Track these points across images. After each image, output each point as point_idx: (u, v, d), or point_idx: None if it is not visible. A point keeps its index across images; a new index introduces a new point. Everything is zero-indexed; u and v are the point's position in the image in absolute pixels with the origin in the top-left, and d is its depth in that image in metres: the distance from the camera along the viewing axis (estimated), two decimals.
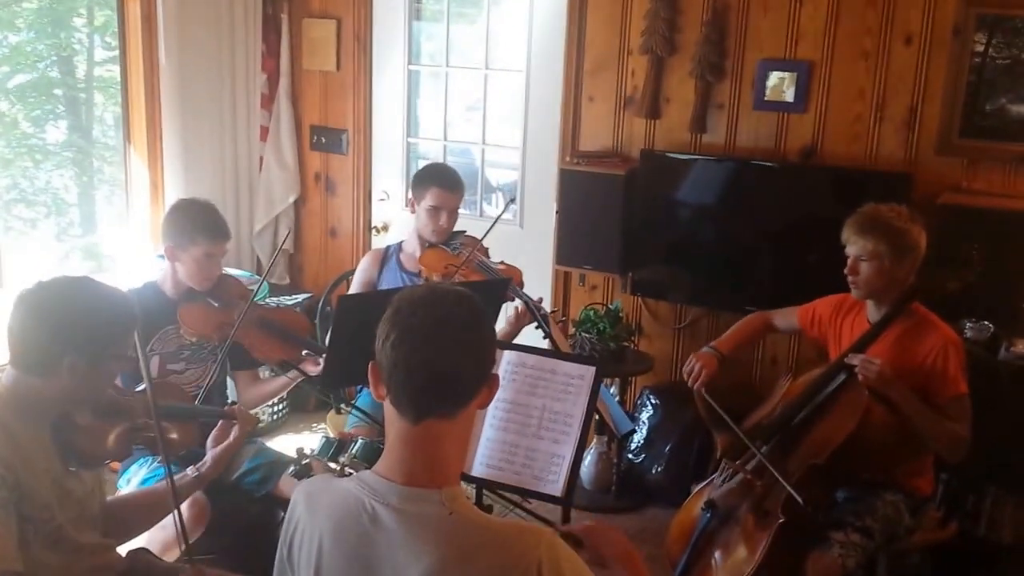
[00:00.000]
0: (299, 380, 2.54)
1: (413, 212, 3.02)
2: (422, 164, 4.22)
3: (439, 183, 2.94)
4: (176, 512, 1.78)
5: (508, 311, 2.86)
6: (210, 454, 2.03)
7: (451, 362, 1.29)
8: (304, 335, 2.72)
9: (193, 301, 2.55)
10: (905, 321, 2.38)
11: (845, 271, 2.41)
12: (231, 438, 2.04)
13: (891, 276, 2.36)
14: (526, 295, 2.78)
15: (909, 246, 2.35)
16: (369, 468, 1.38)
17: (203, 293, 2.57)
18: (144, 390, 1.91)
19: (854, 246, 2.38)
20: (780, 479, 2.22)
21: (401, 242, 3.12)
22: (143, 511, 1.99)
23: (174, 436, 1.96)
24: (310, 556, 1.35)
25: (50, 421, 1.72)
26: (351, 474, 1.56)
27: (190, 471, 2.00)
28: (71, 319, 1.67)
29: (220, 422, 2.09)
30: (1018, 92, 3.01)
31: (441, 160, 4.17)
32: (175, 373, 2.58)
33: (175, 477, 1.86)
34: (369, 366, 1.34)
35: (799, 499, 2.17)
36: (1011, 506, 2.89)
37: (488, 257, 3.06)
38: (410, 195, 3.04)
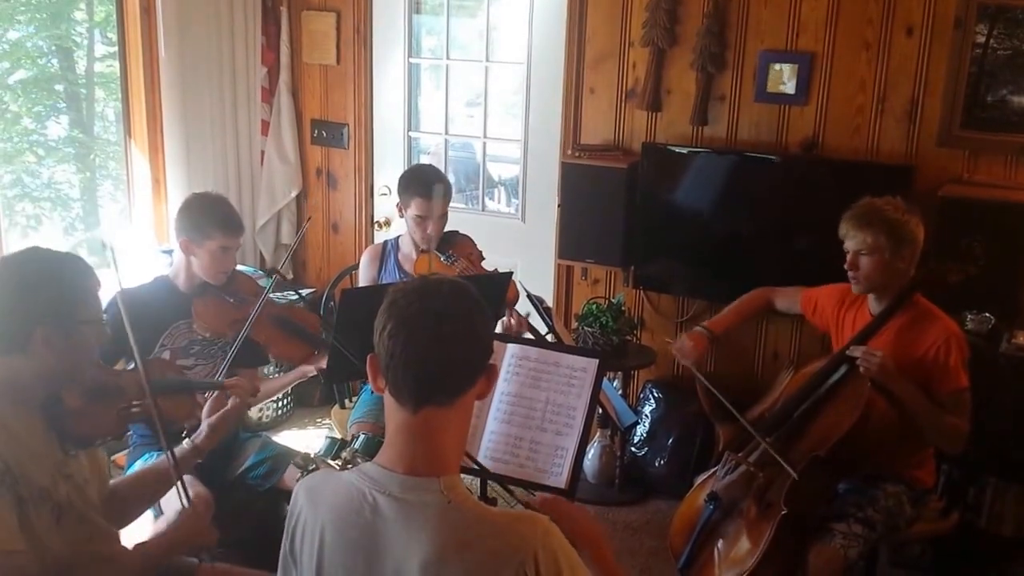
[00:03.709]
0: (302, 379, 2.55)
1: (402, 216, 3.01)
2: (424, 159, 4.24)
3: (421, 192, 2.89)
4: (179, 484, 1.79)
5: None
6: (205, 423, 2.00)
7: (447, 352, 1.30)
8: (318, 333, 2.74)
9: (208, 296, 2.55)
10: (907, 313, 2.39)
11: (845, 266, 2.41)
12: (228, 407, 2.01)
13: (891, 269, 2.36)
14: (530, 295, 2.78)
15: (908, 238, 2.35)
16: (371, 461, 1.39)
17: (218, 288, 2.57)
18: (135, 368, 1.91)
19: (853, 240, 2.39)
20: (785, 466, 2.23)
21: (398, 238, 3.12)
22: (141, 489, 1.98)
23: (170, 410, 1.95)
24: (312, 549, 1.36)
25: (38, 404, 1.70)
26: (353, 467, 1.57)
27: (185, 443, 1.99)
28: (32, 290, 1.66)
29: (216, 392, 2.07)
30: (1019, 83, 3.00)
31: (443, 155, 4.18)
32: (184, 368, 2.58)
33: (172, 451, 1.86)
34: (368, 358, 1.35)
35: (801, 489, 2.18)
36: (1012, 498, 2.90)
37: (483, 258, 3.06)
38: (398, 200, 3.02)
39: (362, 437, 1.95)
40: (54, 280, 1.69)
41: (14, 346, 1.66)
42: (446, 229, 3.02)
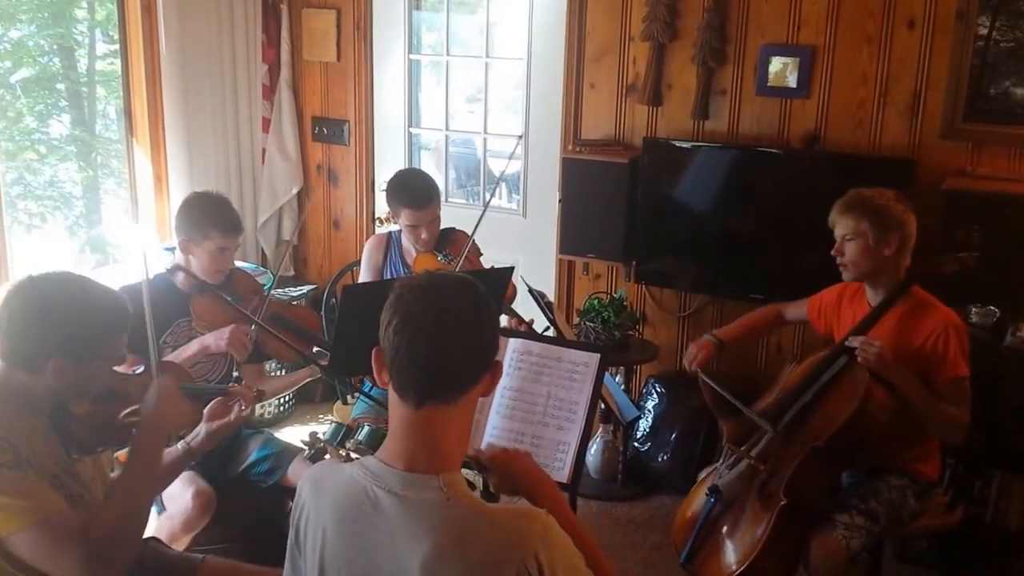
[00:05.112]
0: (310, 379, 2.55)
1: (395, 222, 3.01)
2: (424, 155, 4.23)
3: (408, 203, 2.89)
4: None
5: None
6: (204, 427, 2.00)
7: (452, 349, 1.29)
8: (317, 332, 2.74)
9: (207, 295, 2.55)
10: (905, 304, 2.38)
11: (832, 252, 2.42)
12: (231, 416, 2.01)
13: (876, 255, 2.35)
14: (532, 290, 2.77)
15: (893, 224, 2.34)
16: (374, 454, 1.38)
17: (216, 287, 2.58)
18: (143, 373, 1.92)
19: (839, 226, 2.40)
20: (782, 460, 2.23)
21: (401, 231, 3.12)
22: None
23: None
24: (315, 541, 1.36)
25: (45, 412, 1.71)
26: (356, 459, 1.57)
27: (180, 445, 1.99)
28: (57, 321, 1.64)
29: (218, 397, 2.07)
30: (1022, 75, 2.99)
31: (443, 151, 4.17)
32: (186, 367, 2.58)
33: (166, 451, 1.87)
34: (373, 352, 1.35)
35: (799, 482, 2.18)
36: (1018, 492, 2.89)
37: (481, 254, 3.06)
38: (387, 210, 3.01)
39: (366, 428, 1.95)
40: (84, 319, 1.67)
41: (27, 367, 1.66)
42: (444, 226, 3.02)
